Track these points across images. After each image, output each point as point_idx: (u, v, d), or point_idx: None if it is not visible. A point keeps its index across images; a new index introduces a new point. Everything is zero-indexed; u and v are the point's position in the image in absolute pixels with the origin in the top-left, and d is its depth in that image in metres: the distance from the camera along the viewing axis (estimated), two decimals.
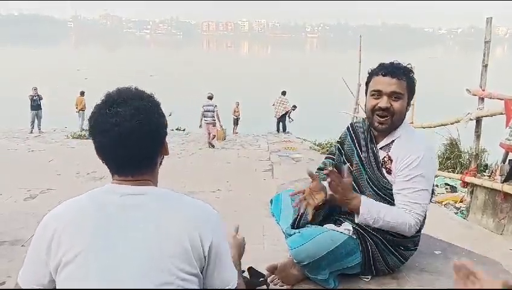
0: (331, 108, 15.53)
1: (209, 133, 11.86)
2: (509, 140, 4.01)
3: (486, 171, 5.18)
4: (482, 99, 4.44)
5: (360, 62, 10.67)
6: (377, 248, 1.85)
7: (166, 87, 20.75)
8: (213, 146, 11.47)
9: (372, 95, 1.83)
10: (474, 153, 4.70)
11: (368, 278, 1.92)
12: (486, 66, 4.42)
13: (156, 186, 1.22)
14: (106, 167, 1.19)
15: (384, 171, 1.85)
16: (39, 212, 3.53)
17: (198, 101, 13.04)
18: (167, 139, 1.24)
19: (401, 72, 1.80)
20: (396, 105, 1.80)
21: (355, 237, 1.83)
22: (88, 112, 1.28)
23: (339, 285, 1.89)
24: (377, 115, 1.82)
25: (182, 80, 33.10)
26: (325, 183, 1.75)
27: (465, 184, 4.78)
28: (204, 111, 12.00)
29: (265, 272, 1.91)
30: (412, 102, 1.91)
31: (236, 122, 15.97)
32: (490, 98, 4.35)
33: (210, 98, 12.27)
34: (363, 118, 2.06)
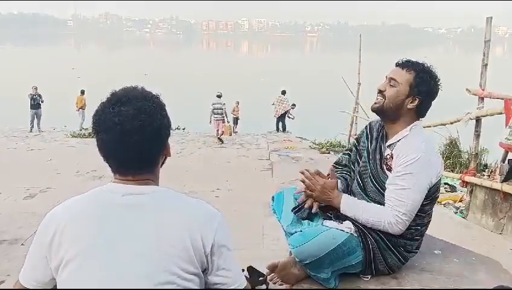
0: (330, 108, 15.50)
1: (218, 130, 12.53)
2: (508, 139, 4.01)
3: (486, 170, 5.18)
4: (481, 98, 4.44)
5: (360, 62, 10.66)
6: (378, 246, 1.85)
7: (167, 88, 20.69)
8: (222, 141, 12.07)
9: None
10: (474, 153, 4.70)
11: (368, 277, 1.93)
12: (486, 65, 4.42)
13: (158, 185, 1.22)
14: (107, 165, 1.19)
15: (385, 167, 1.89)
16: (39, 211, 3.53)
17: (198, 101, 13.10)
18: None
19: (410, 65, 1.86)
20: (390, 91, 1.86)
21: (356, 235, 1.84)
22: (88, 111, 1.27)
23: (339, 284, 1.89)
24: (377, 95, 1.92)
25: (181, 80, 33.06)
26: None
27: (465, 184, 4.77)
28: (214, 109, 12.87)
29: (265, 271, 1.91)
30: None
31: (235, 121, 15.97)
32: (490, 97, 4.35)
33: (219, 96, 13.20)
34: None
